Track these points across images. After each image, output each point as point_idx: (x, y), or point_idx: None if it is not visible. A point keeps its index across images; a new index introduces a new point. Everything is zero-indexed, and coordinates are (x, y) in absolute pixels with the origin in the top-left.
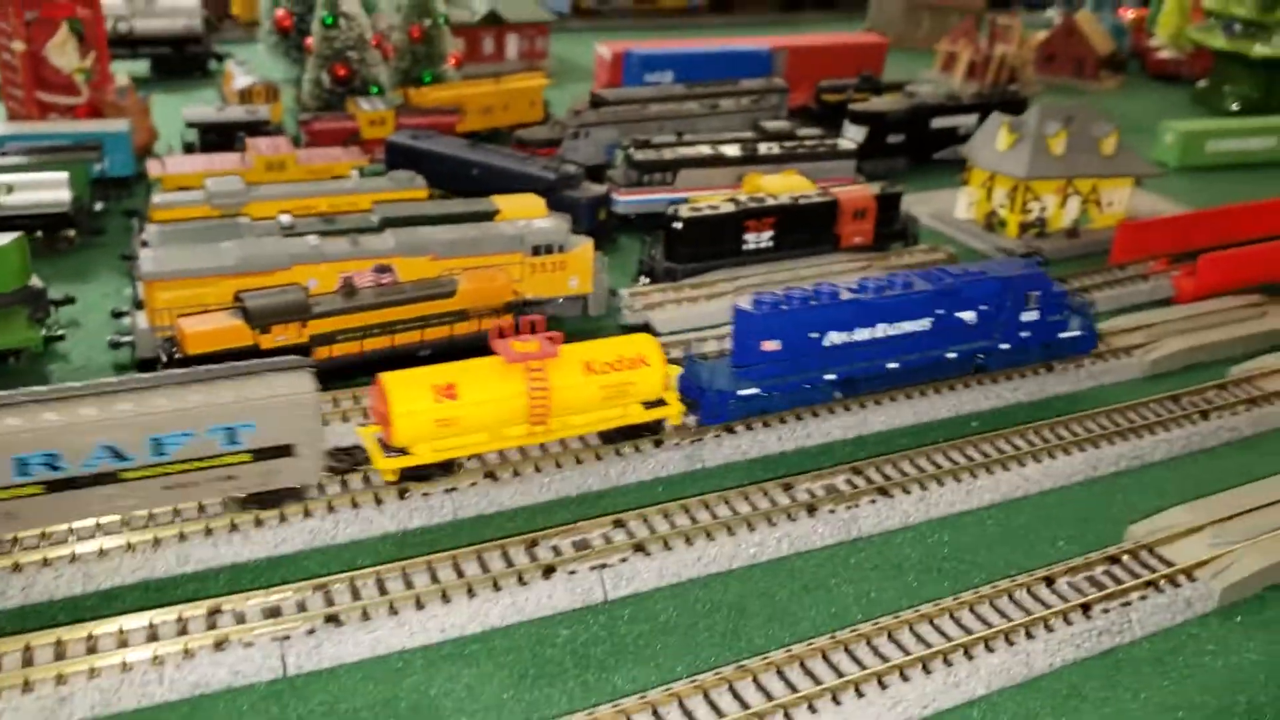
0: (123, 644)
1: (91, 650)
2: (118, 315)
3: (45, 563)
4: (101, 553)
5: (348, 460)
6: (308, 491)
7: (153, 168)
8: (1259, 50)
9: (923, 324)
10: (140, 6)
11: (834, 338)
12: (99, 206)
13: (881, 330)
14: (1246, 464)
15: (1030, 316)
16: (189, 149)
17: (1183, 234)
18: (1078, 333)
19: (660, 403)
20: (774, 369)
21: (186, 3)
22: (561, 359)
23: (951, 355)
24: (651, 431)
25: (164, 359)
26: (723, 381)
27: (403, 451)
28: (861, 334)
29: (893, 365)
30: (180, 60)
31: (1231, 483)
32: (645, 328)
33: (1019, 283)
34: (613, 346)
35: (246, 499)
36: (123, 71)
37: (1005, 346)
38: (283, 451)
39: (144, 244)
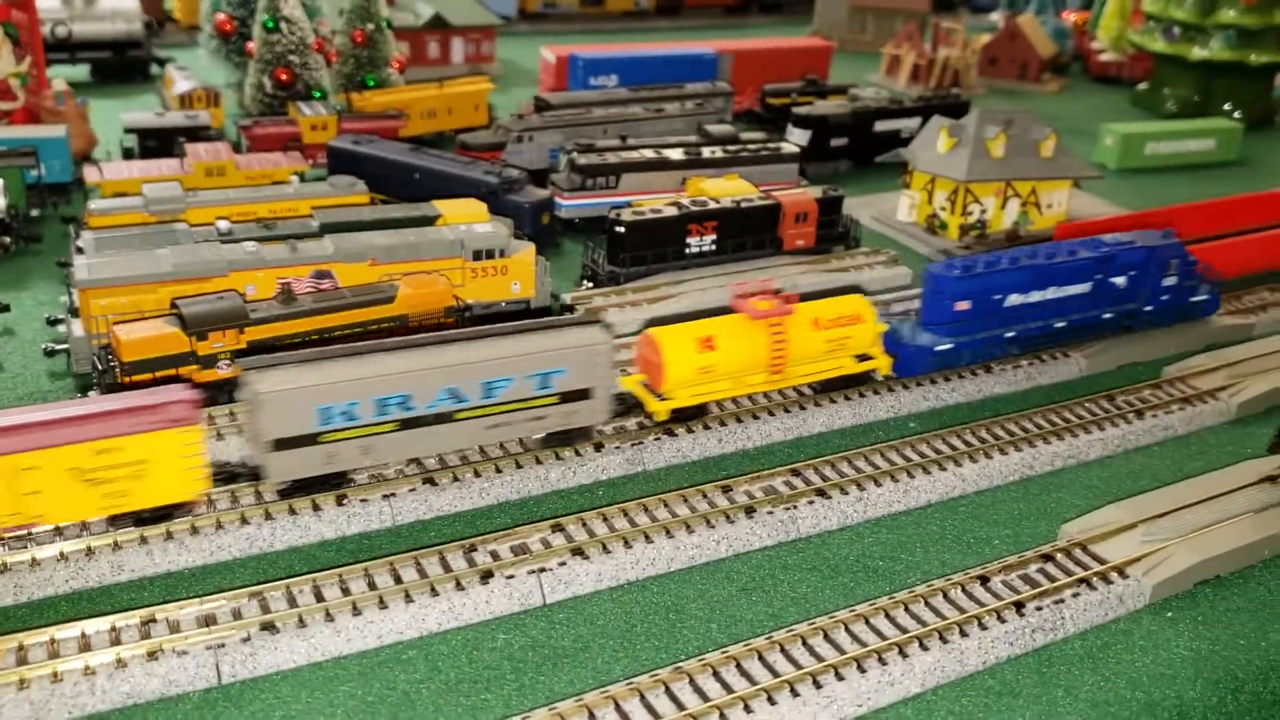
0: (54, 655)
1: (21, 662)
2: (53, 323)
3: None
4: (34, 562)
5: (620, 406)
6: (595, 431)
7: (90, 174)
8: (1197, 53)
9: (1085, 287)
10: (78, 10)
11: (1013, 299)
12: (35, 213)
13: (1052, 293)
14: (1179, 461)
15: (1170, 282)
16: (128, 155)
17: None
18: (1205, 297)
19: (868, 357)
20: (963, 328)
21: (126, 6)
22: (796, 316)
23: (1107, 315)
24: (860, 382)
25: (98, 367)
26: (923, 338)
27: (663, 397)
28: (1035, 296)
29: (1060, 324)
30: (120, 65)
31: (1165, 480)
32: (856, 289)
33: (1162, 251)
34: (834, 305)
35: (548, 437)
36: (61, 76)
37: (1149, 308)
38: (583, 395)
39: (79, 250)
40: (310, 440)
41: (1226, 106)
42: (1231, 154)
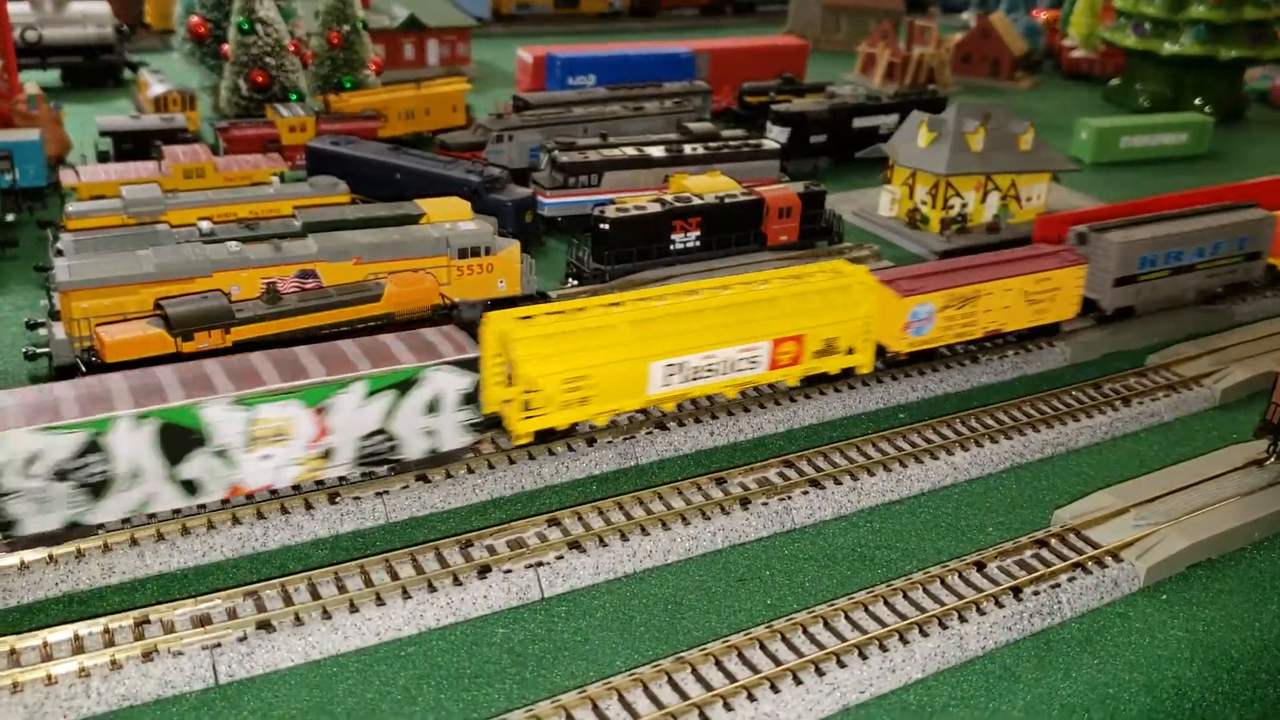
0: (47, 658)
1: (14, 665)
2: (33, 327)
3: None
4: (23, 565)
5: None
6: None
7: (66, 177)
8: (1168, 48)
9: None
10: (49, 15)
11: None
12: (11, 218)
13: None
14: (1166, 447)
15: None
16: (103, 158)
17: None
18: None
19: None
20: None
21: (97, 10)
22: None
23: None
24: None
25: (84, 370)
26: None
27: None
28: None
29: None
30: (92, 69)
31: (1153, 466)
32: None
33: None
34: None
35: (1224, 289)
36: (33, 81)
37: None
38: (1255, 256)
39: (59, 253)
40: (1131, 280)
41: (1197, 101)
42: (1203, 147)
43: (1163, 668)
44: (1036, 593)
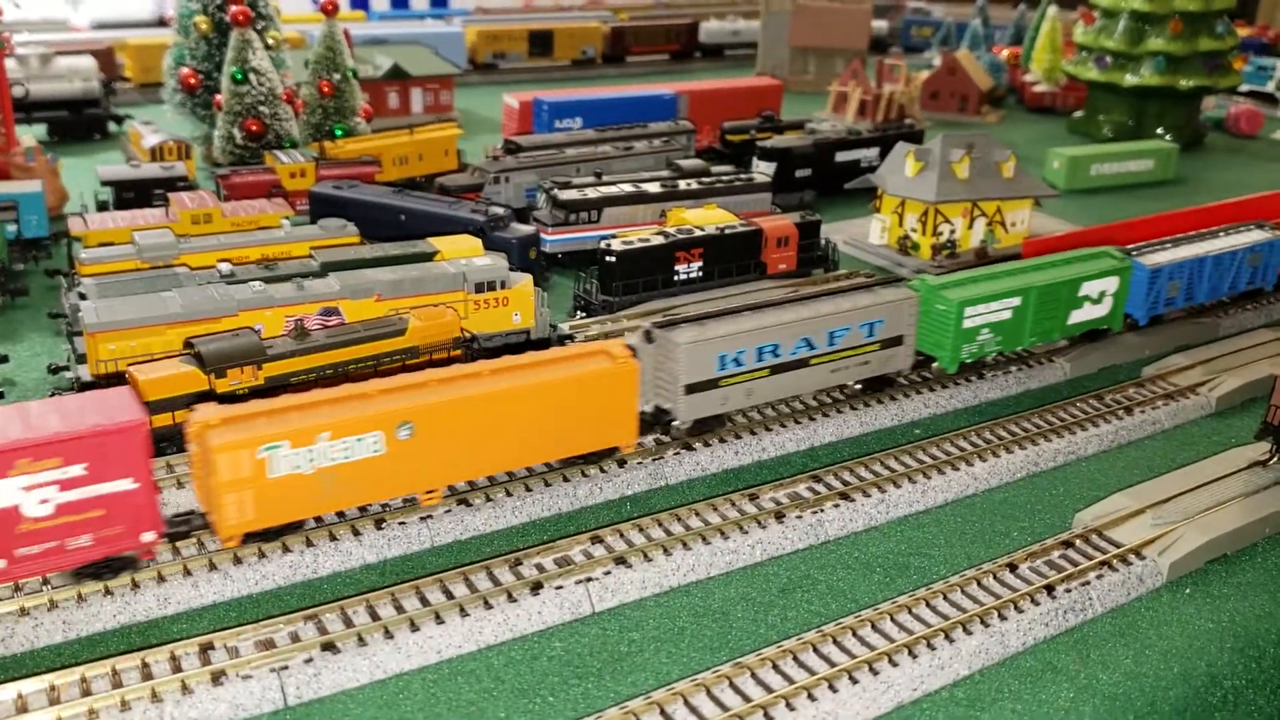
0: (118, 685)
1: (86, 693)
2: (55, 371)
3: (23, 612)
4: (80, 598)
5: None
6: None
7: (74, 224)
8: (1129, 80)
9: None
10: (35, 70)
11: None
12: (20, 267)
13: None
14: (1170, 452)
15: None
16: (102, 207)
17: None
18: None
19: None
20: None
21: (83, 65)
22: None
23: None
24: None
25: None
26: None
27: None
28: None
29: None
30: (78, 123)
31: (1160, 470)
32: None
33: None
34: None
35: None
36: (29, 134)
37: None
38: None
39: (82, 296)
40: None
41: (1159, 130)
42: (1169, 173)
43: (1195, 658)
44: (1068, 590)
